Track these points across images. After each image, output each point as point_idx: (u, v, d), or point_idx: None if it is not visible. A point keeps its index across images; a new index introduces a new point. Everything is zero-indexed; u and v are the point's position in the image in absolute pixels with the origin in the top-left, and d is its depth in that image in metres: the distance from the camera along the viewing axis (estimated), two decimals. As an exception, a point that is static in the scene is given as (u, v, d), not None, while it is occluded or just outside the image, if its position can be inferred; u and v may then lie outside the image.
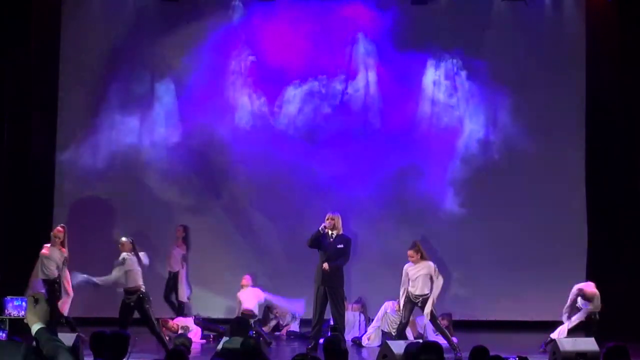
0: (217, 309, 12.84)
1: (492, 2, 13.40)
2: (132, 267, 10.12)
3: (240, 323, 7.86)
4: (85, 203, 12.97)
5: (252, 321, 11.23)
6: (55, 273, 11.07)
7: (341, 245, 10.77)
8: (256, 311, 11.62)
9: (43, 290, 10.86)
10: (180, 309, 12.41)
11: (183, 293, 12.46)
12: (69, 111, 13.21)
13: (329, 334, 10.46)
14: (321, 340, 10.60)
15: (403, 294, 10.72)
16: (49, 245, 11.17)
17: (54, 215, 12.91)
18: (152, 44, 13.33)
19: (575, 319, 10.81)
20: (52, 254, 11.11)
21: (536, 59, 13.40)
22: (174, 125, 13.34)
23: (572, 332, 10.69)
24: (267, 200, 13.36)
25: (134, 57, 13.33)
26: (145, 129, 13.31)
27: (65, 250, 11.24)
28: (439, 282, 10.65)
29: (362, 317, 12.25)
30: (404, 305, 10.72)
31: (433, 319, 10.62)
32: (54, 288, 11.03)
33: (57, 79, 13.22)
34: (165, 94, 13.35)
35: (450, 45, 13.38)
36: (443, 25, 13.39)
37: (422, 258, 10.72)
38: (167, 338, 11.04)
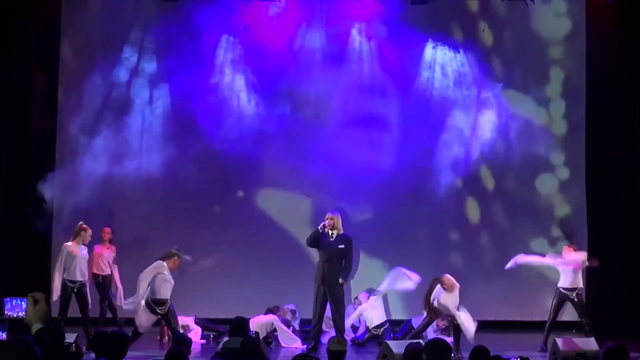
0: (216, 309, 12.81)
1: (492, 2, 13.40)
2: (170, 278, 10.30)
3: (240, 323, 7.85)
4: (85, 203, 12.92)
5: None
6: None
7: (342, 246, 10.77)
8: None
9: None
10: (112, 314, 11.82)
11: (121, 298, 11.63)
12: (68, 113, 13.22)
13: (332, 335, 10.49)
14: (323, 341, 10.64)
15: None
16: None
17: (54, 216, 12.91)
18: (151, 43, 13.34)
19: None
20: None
21: (536, 59, 13.41)
22: (173, 124, 13.34)
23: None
24: (266, 198, 13.37)
25: (133, 57, 13.33)
26: (144, 130, 13.30)
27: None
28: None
29: (362, 317, 12.23)
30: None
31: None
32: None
33: (57, 81, 13.23)
34: (164, 94, 13.35)
35: (450, 45, 13.38)
36: (442, 24, 13.40)
37: None
38: (167, 338, 11.04)
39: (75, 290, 10.85)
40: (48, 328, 5.03)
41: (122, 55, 13.29)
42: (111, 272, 11.83)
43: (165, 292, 10.19)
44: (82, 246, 10.98)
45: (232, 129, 13.27)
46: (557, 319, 11.29)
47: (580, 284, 11.19)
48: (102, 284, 11.75)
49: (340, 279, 10.76)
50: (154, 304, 10.15)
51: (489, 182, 13.41)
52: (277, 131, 13.28)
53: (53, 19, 13.13)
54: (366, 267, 12.88)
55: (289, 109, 13.35)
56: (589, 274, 12.90)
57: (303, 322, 12.35)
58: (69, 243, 10.95)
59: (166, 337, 11.17)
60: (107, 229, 11.96)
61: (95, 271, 11.73)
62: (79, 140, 13.05)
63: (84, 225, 11.03)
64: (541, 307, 12.45)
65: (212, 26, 13.13)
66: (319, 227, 10.74)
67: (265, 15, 13.26)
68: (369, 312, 11.68)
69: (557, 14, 13.50)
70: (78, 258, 10.87)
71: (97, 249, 11.82)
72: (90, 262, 11.47)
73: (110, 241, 11.96)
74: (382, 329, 11.56)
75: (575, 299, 11.06)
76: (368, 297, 11.79)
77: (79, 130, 13.11)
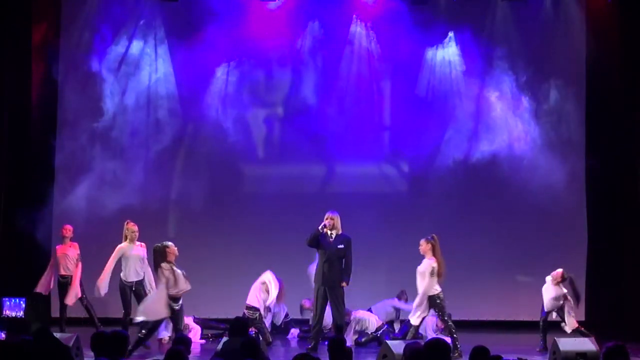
0: (216, 309, 12.80)
1: (492, 2, 13.40)
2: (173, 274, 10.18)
3: (240, 323, 7.86)
4: (85, 205, 12.91)
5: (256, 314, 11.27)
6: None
7: (341, 246, 10.77)
8: (257, 304, 11.49)
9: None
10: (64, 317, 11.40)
11: (72, 296, 11.31)
12: (68, 120, 13.25)
13: (333, 334, 10.50)
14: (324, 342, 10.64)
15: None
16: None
17: (54, 216, 12.91)
18: (151, 46, 13.34)
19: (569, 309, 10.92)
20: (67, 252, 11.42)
21: (536, 59, 13.40)
22: (175, 123, 13.36)
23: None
24: (268, 198, 13.37)
25: (131, 59, 13.33)
26: (145, 131, 13.32)
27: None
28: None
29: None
30: None
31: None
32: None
33: (57, 86, 13.23)
34: (166, 96, 13.36)
35: (450, 45, 13.38)
36: (442, 24, 13.39)
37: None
38: (168, 337, 11.02)
39: (133, 289, 10.78)
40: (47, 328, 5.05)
41: (116, 52, 13.27)
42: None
43: (182, 285, 10.07)
44: (134, 245, 10.85)
45: (232, 124, 13.29)
46: (555, 319, 11.25)
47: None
48: (70, 285, 11.36)
49: (342, 282, 10.77)
50: (170, 299, 10.08)
51: (488, 185, 13.39)
52: (270, 134, 13.30)
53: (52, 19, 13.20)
54: (364, 270, 12.83)
55: (283, 109, 13.38)
56: (589, 273, 12.94)
57: (295, 322, 12.48)
58: (123, 244, 10.80)
59: (166, 338, 11.14)
60: (69, 227, 11.57)
61: (62, 272, 11.39)
62: (79, 143, 13.08)
63: (131, 224, 10.88)
64: (540, 307, 12.44)
65: (210, 24, 13.11)
66: (320, 227, 10.75)
67: (265, 14, 13.24)
68: (367, 317, 11.84)
69: (556, 14, 13.49)
70: (131, 258, 10.79)
71: (61, 249, 11.50)
72: (55, 263, 11.40)
73: (72, 239, 11.56)
74: (381, 331, 11.63)
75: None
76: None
77: (79, 134, 13.14)
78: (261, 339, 10.81)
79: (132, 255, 10.81)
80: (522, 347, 10.74)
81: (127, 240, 10.83)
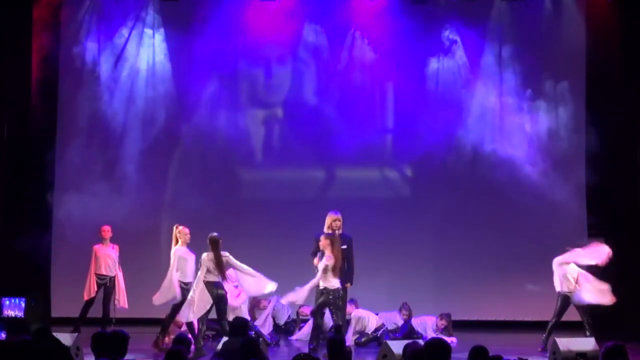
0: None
1: (492, 2, 13.40)
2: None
3: (240, 323, 7.87)
4: (86, 204, 12.92)
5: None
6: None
7: (344, 246, 10.77)
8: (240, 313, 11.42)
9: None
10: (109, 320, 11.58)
11: (124, 299, 11.58)
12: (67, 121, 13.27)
13: (332, 335, 10.50)
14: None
15: None
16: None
17: (53, 216, 12.92)
18: (149, 44, 13.36)
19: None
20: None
21: (536, 60, 13.40)
22: (178, 125, 13.38)
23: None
24: (266, 202, 13.37)
25: (129, 57, 13.33)
26: (147, 131, 13.32)
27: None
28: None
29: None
30: None
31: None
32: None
33: (57, 85, 13.24)
34: (168, 96, 13.38)
35: (449, 45, 13.38)
36: (442, 24, 13.39)
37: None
38: (168, 338, 11.02)
39: (187, 290, 10.69)
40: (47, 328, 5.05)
41: (115, 50, 13.29)
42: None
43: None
44: (187, 248, 10.79)
45: (235, 126, 13.30)
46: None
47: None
48: (109, 286, 11.53)
49: (347, 283, 10.77)
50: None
51: (488, 186, 13.38)
52: (269, 135, 13.32)
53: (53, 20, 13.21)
54: (365, 273, 12.83)
55: (282, 110, 13.39)
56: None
57: (296, 321, 12.52)
58: (179, 248, 10.66)
59: (169, 335, 11.14)
60: (108, 227, 11.64)
61: (103, 272, 11.50)
62: (79, 143, 13.10)
63: (181, 227, 10.75)
64: (541, 307, 12.43)
65: (210, 22, 13.11)
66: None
67: (265, 13, 13.24)
68: (366, 316, 11.83)
69: (556, 14, 13.49)
70: (189, 260, 10.71)
71: (101, 249, 11.56)
72: (96, 262, 11.44)
73: (111, 240, 11.67)
74: (381, 331, 11.62)
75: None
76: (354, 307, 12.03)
77: (78, 132, 13.17)
78: (261, 339, 10.80)
79: (188, 257, 10.74)
80: (522, 347, 10.74)
81: (180, 244, 10.70)
